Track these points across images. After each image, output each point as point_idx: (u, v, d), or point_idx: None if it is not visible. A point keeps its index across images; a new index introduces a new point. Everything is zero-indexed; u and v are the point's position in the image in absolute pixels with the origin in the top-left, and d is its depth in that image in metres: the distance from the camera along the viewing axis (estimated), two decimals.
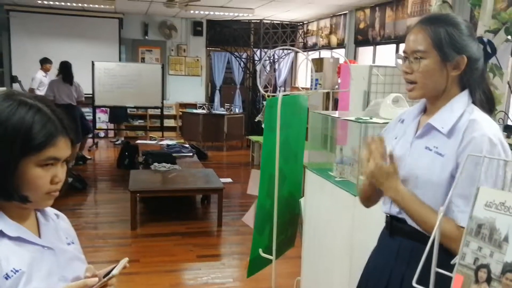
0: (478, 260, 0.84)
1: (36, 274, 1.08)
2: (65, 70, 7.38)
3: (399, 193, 1.42)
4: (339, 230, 2.56)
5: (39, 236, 1.16)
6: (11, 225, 1.09)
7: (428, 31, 1.42)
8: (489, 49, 1.48)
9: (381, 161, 1.42)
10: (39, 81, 8.29)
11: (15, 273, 1.05)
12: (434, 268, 0.92)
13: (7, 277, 1.03)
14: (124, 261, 1.15)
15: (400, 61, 1.51)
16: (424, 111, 1.56)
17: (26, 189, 1.08)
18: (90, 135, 8.94)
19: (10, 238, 1.07)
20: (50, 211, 1.24)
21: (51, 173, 1.10)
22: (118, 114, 9.81)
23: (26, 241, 1.11)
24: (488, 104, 1.46)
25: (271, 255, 2.92)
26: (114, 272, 1.11)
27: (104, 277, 1.14)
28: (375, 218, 1.73)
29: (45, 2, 8.94)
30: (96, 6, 9.23)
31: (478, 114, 1.41)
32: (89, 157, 8.33)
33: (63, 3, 8.95)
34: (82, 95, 7.72)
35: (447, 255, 1.07)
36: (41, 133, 1.06)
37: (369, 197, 1.68)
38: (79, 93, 7.60)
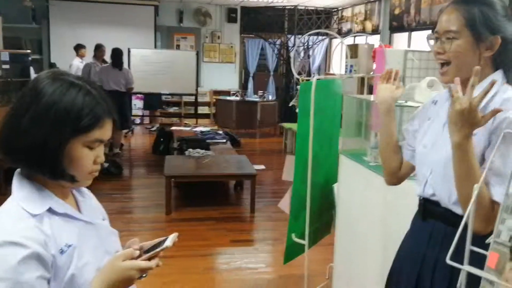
0: None
1: (85, 248, 1.13)
2: (114, 56, 7.48)
3: (466, 140, 1.28)
4: (373, 216, 2.54)
5: (79, 212, 1.20)
6: (58, 202, 1.12)
7: (461, 11, 1.40)
8: None
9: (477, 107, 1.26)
10: (76, 67, 8.48)
11: (68, 248, 1.08)
12: (468, 246, 0.92)
13: (62, 251, 1.07)
14: (174, 235, 1.18)
15: (431, 42, 1.49)
16: None
17: (72, 169, 1.10)
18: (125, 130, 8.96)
19: (59, 214, 1.11)
20: (84, 188, 1.27)
21: (95, 153, 1.13)
22: (152, 101, 9.94)
23: (72, 217, 1.14)
24: None
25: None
26: (168, 243, 1.14)
27: (149, 250, 1.17)
28: (409, 202, 1.72)
29: None
30: None
31: None
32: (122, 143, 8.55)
33: None
34: (131, 82, 7.67)
35: (480, 235, 1.06)
36: (90, 115, 1.08)
37: (389, 160, 1.71)
38: (128, 79, 7.59)
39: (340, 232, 3.04)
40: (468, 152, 1.29)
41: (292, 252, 3.12)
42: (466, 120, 1.25)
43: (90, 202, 1.27)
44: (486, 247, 0.91)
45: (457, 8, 1.41)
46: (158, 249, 1.15)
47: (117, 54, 7.52)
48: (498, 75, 1.42)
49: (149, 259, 1.14)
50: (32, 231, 1.03)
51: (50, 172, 1.09)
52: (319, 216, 3.15)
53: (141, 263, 1.12)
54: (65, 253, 1.07)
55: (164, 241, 1.17)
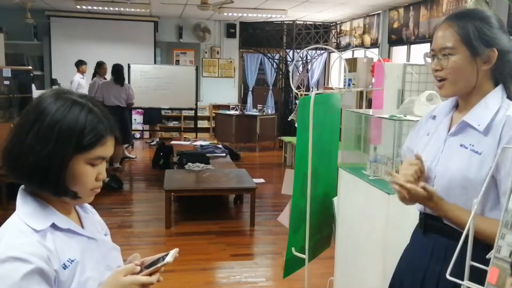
0: None
1: (87, 263, 1.14)
2: (116, 72, 7.58)
3: (438, 207, 1.41)
4: (373, 229, 2.54)
5: (82, 228, 1.21)
6: (61, 217, 1.14)
7: (455, 27, 1.41)
8: None
9: (412, 186, 1.38)
10: (77, 83, 8.53)
11: (71, 263, 1.10)
12: (468, 262, 0.92)
13: (64, 266, 1.08)
14: (175, 251, 1.19)
15: (429, 60, 1.50)
16: (456, 106, 1.55)
17: (74, 185, 1.12)
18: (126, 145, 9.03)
19: (62, 230, 1.12)
20: (86, 204, 1.29)
21: (97, 170, 1.15)
22: (151, 116, 9.98)
23: (75, 232, 1.16)
24: None
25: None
26: (169, 259, 1.15)
27: (150, 265, 1.18)
28: (410, 216, 1.72)
29: (84, 7, 9.19)
30: (132, 10, 9.43)
31: None
32: (133, 157, 8.62)
33: (100, 8, 9.19)
34: (132, 97, 7.77)
35: (481, 249, 1.06)
36: (93, 133, 1.10)
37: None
38: (129, 95, 7.69)
39: (340, 246, 3.03)
40: (447, 214, 1.40)
41: (292, 265, 3.11)
42: (416, 200, 1.40)
43: (93, 218, 1.29)
44: (487, 262, 0.91)
45: (451, 25, 1.42)
46: (159, 265, 1.16)
47: (118, 69, 7.62)
48: (498, 91, 1.43)
49: (150, 274, 1.15)
50: (35, 246, 1.05)
51: (53, 189, 1.10)
52: (318, 230, 3.14)
53: (143, 278, 1.14)
54: (68, 268, 1.09)
55: (165, 256, 1.18)
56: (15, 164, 1.10)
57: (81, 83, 8.58)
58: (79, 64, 8.75)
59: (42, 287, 1.03)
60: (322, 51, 10.76)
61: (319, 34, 10.39)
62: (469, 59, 1.40)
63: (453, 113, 1.54)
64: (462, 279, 0.97)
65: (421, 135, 1.61)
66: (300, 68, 10.43)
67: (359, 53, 9.33)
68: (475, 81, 1.42)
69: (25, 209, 1.10)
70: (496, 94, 1.42)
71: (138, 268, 1.16)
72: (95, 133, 1.10)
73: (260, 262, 4.24)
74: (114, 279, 1.13)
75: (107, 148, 1.15)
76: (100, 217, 1.35)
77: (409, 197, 1.40)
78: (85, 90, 8.05)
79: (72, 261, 1.10)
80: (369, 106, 4.63)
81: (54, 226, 1.11)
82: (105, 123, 1.14)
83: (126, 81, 8.04)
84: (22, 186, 1.15)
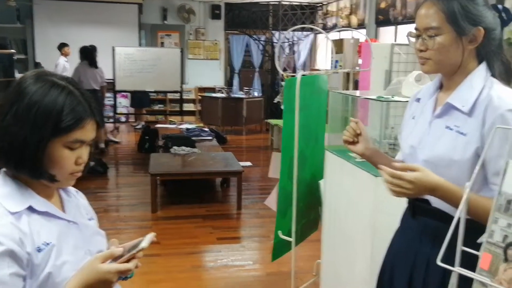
0: (508, 237, 0.80)
1: (64, 247, 1.13)
2: (89, 55, 7.49)
3: (435, 191, 1.31)
4: (360, 212, 2.52)
5: (63, 212, 1.19)
6: (39, 200, 1.12)
7: (440, 5, 1.36)
8: (504, 16, 1.41)
9: (392, 179, 1.33)
10: (62, 66, 8.34)
11: (46, 246, 1.08)
12: (460, 247, 0.89)
13: (39, 249, 1.07)
14: (151, 235, 1.17)
15: (412, 39, 1.46)
16: (440, 87, 1.51)
17: (52, 169, 1.10)
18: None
19: (39, 213, 1.11)
20: (71, 188, 1.27)
21: (76, 154, 1.13)
22: (140, 99, 9.88)
23: (53, 215, 1.14)
24: (506, 74, 1.41)
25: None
26: (144, 245, 1.13)
27: (129, 250, 1.15)
28: (397, 199, 1.69)
29: None
30: None
31: (498, 88, 1.35)
32: (117, 140, 8.59)
33: None
34: (104, 78, 7.82)
35: (473, 233, 1.04)
36: (71, 116, 1.08)
37: None
38: (103, 77, 7.72)
39: (327, 229, 3.02)
40: (446, 197, 1.31)
41: (280, 249, 3.10)
42: (406, 188, 1.31)
43: (76, 202, 1.27)
44: (479, 247, 0.88)
45: (435, 2, 1.37)
46: (134, 251, 1.13)
47: (91, 52, 7.52)
48: (482, 70, 1.40)
49: (127, 260, 1.13)
50: (8, 228, 1.04)
51: (29, 171, 1.09)
52: (306, 213, 3.13)
53: (119, 266, 1.11)
54: (42, 251, 1.08)
55: (141, 241, 1.15)
56: None
57: (66, 66, 8.39)
58: (62, 46, 8.58)
59: (12, 269, 1.02)
60: (308, 33, 10.68)
61: (305, 15, 10.30)
62: (454, 39, 1.36)
63: (437, 94, 1.51)
64: (452, 263, 0.95)
65: (407, 119, 1.59)
66: (287, 50, 10.35)
67: (346, 34, 9.27)
68: (460, 61, 1.39)
69: (2, 191, 1.09)
70: (480, 73, 1.39)
71: (120, 250, 1.13)
72: (73, 115, 1.08)
73: (247, 245, 4.23)
74: (91, 266, 1.11)
75: (87, 132, 1.12)
76: (86, 202, 1.33)
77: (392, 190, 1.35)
78: (69, 73, 7.90)
79: (48, 244, 1.09)
80: (356, 87, 4.60)
81: (31, 209, 1.10)
82: (84, 106, 1.11)
83: (107, 64, 7.98)
84: (3, 169, 1.13)
